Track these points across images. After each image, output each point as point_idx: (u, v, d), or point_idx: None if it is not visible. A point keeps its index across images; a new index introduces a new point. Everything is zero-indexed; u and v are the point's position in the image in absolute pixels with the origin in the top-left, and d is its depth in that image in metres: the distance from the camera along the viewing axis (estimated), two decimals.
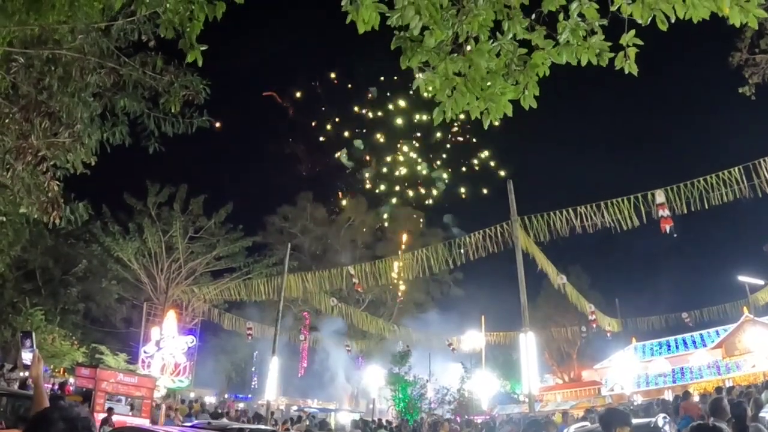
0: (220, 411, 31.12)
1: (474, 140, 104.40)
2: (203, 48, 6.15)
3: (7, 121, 9.88)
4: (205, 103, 10.38)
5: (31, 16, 7.92)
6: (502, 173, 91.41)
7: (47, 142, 10.11)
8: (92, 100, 10.22)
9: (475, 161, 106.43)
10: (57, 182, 10.49)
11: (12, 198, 10.91)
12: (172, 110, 10.11)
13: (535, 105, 4.94)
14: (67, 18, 8.02)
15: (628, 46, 4.56)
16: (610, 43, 4.64)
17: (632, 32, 4.51)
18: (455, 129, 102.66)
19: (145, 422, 21.71)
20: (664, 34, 4.74)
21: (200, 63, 6.80)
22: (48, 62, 9.62)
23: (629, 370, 40.01)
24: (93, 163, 11.00)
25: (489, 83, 4.84)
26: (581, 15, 4.58)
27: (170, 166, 36.72)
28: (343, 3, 4.51)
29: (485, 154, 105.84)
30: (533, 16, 4.75)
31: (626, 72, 4.64)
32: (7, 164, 10.08)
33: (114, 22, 9.13)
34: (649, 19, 4.38)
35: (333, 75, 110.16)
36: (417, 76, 4.81)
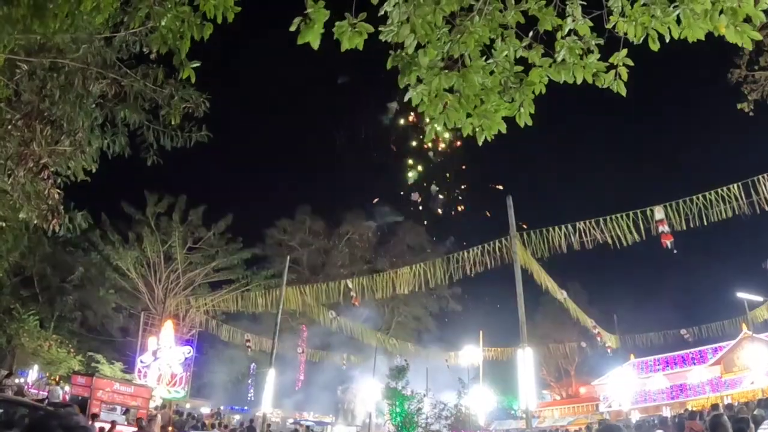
0: (198, 423, 30.75)
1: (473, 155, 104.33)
2: (195, 65, 6.18)
3: (9, 127, 9.92)
4: (206, 114, 10.44)
5: (34, 23, 7.97)
6: (502, 188, 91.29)
7: (48, 149, 10.15)
8: (93, 108, 10.28)
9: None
10: (58, 190, 10.53)
11: (12, 204, 10.93)
12: (172, 122, 10.15)
13: (530, 122, 4.96)
14: (68, 27, 8.08)
15: (619, 65, 4.60)
16: (606, 64, 4.68)
17: (624, 51, 4.54)
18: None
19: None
20: (663, 51, 4.78)
21: (193, 79, 6.85)
22: (50, 70, 9.68)
23: (627, 386, 39.86)
24: (94, 170, 11.04)
25: (483, 100, 4.87)
26: (577, 33, 4.62)
27: (171, 176, 36.77)
28: (294, 21, 4.56)
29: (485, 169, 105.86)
30: (531, 34, 4.79)
31: (615, 91, 4.67)
32: (9, 170, 10.12)
33: (116, 34, 9.20)
34: (642, 38, 4.42)
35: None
36: (410, 89, 4.84)
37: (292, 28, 4.59)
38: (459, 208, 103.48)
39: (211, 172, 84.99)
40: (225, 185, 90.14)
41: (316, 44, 4.60)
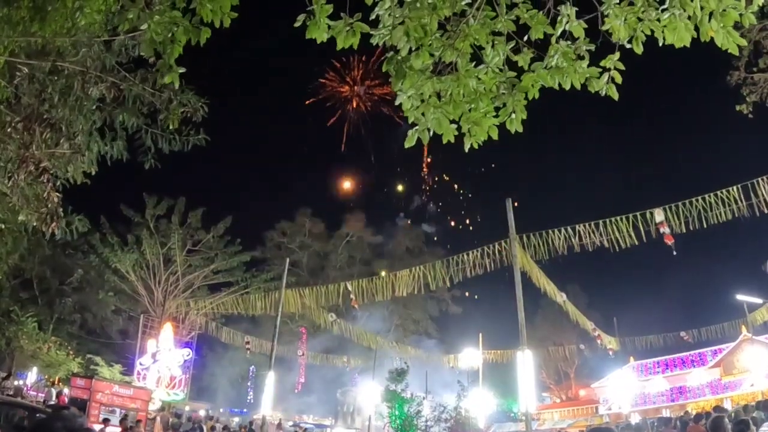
0: (195, 425, 30.52)
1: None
2: (181, 71, 6.22)
3: (9, 130, 9.93)
4: (204, 116, 10.44)
5: (34, 25, 7.98)
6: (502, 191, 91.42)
7: (48, 152, 10.16)
8: (93, 112, 10.29)
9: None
10: (57, 193, 10.52)
11: (11, 206, 10.94)
12: (171, 126, 10.16)
13: (521, 129, 4.96)
14: (69, 29, 8.09)
15: (612, 69, 4.60)
16: (599, 70, 4.68)
17: (617, 54, 4.54)
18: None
19: None
20: (661, 53, 4.79)
21: (176, 85, 6.87)
22: (50, 74, 9.69)
23: (627, 388, 39.80)
24: (93, 173, 11.05)
25: (473, 105, 4.87)
26: (571, 36, 4.63)
27: (170, 178, 36.78)
28: (299, 18, 4.59)
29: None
30: (525, 38, 4.79)
31: (604, 95, 4.67)
32: (9, 173, 10.12)
33: (116, 37, 9.21)
34: (628, 38, 4.43)
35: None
36: (401, 93, 4.84)
37: (297, 24, 4.62)
38: (459, 210, 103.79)
39: (210, 174, 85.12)
40: (224, 187, 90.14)
41: (323, 38, 4.64)
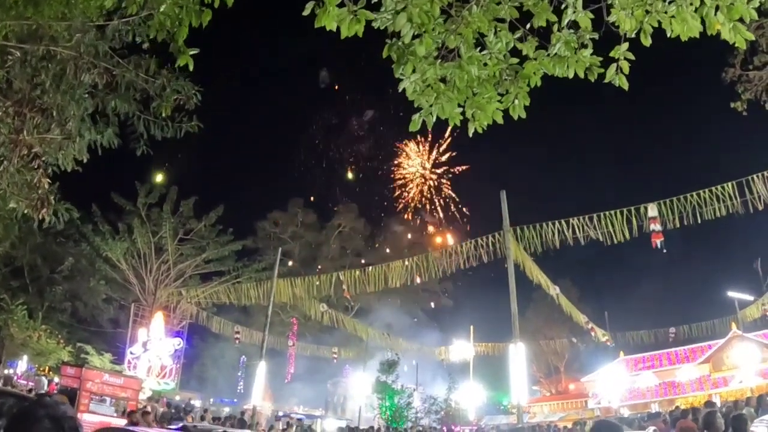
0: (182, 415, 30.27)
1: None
2: (193, 52, 6.11)
3: (0, 114, 9.81)
4: (197, 104, 10.34)
5: (28, 10, 7.87)
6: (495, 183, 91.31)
7: (39, 138, 10.03)
8: (85, 98, 10.17)
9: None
10: (48, 179, 10.41)
11: (2, 193, 10.80)
12: (163, 114, 10.06)
13: (524, 115, 4.94)
14: (64, 14, 7.99)
15: (620, 59, 4.56)
16: (600, 58, 4.64)
17: (625, 45, 4.51)
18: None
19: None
20: (658, 49, 4.75)
21: (191, 67, 6.78)
22: (43, 59, 9.57)
23: (616, 383, 39.98)
24: (85, 161, 10.94)
25: (477, 91, 4.84)
26: (574, 26, 4.59)
27: (162, 167, 36.63)
28: (308, 6, 4.52)
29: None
30: (528, 26, 4.75)
31: (616, 85, 4.64)
32: (0, 157, 10.00)
33: (109, 23, 9.09)
34: (635, 31, 4.39)
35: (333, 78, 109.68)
36: (404, 79, 4.80)
37: (306, 12, 4.54)
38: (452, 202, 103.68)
39: (202, 162, 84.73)
40: (217, 177, 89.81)
41: (333, 26, 4.57)
